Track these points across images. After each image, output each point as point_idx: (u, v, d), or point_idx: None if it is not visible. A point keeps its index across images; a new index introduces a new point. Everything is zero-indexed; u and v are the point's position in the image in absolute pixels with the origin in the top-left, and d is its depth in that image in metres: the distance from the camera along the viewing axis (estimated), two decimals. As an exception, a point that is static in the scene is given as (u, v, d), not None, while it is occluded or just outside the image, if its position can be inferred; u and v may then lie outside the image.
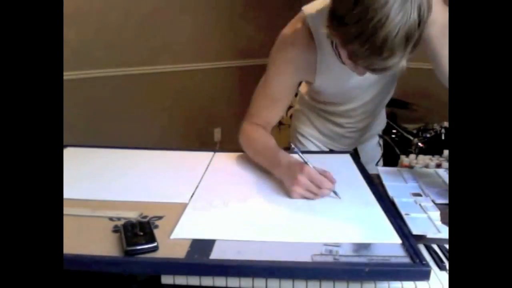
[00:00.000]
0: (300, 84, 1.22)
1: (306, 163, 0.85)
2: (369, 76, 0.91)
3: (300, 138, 1.32)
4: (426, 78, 2.87)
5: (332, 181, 0.85)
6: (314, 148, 1.30)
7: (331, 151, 1.27)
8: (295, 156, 0.91)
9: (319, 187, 0.83)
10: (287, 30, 0.99)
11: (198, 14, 2.98)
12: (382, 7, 0.66)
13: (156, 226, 0.72)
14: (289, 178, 0.85)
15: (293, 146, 0.90)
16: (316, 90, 1.09)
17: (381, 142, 1.38)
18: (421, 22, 0.70)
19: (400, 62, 0.73)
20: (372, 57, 0.72)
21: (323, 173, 0.85)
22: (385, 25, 0.67)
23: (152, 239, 0.65)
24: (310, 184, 0.83)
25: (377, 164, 1.30)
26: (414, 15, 0.68)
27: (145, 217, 0.76)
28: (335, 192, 0.85)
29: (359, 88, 1.07)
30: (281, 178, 0.89)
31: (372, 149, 1.35)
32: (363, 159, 1.20)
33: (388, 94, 1.20)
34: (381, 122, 1.33)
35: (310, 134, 1.30)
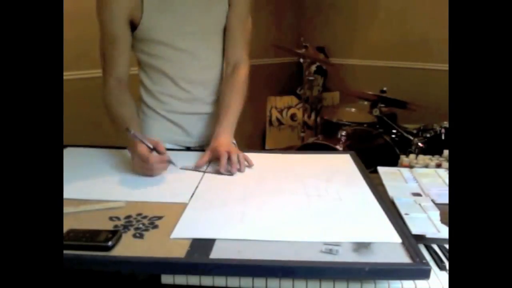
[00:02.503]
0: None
1: (141, 141, 0.94)
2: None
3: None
4: (426, 78, 2.88)
5: (163, 152, 0.95)
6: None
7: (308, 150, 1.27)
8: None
9: (147, 163, 0.92)
10: None
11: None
12: None
13: (156, 226, 0.72)
14: (132, 160, 0.99)
15: (130, 130, 0.94)
16: (146, 35, 1.10)
17: None
18: None
19: None
20: None
21: (156, 146, 0.94)
22: None
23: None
24: (142, 164, 0.93)
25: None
26: None
27: (145, 216, 0.76)
28: (170, 161, 0.97)
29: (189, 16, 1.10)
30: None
31: None
32: None
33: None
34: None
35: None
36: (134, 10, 1.07)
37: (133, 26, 1.09)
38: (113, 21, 1.08)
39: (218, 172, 0.98)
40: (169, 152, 0.98)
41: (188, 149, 1.24)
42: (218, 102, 1.19)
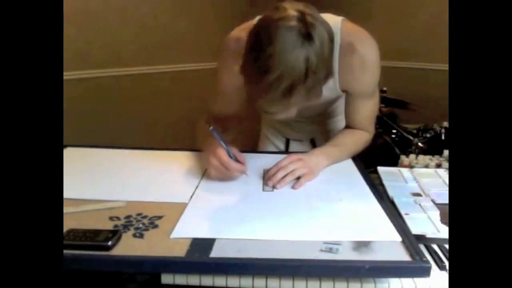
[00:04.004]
0: None
1: (223, 145, 0.90)
2: None
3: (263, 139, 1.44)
4: (426, 78, 2.88)
5: (243, 162, 0.91)
6: (271, 147, 1.39)
7: None
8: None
9: (228, 169, 0.89)
10: (234, 34, 1.01)
11: (198, 14, 2.98)
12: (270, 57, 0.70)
13: (156, 226, 0.72)
14: (206, 161, 0.94)
15: (211, 128, 0.91)
16: None
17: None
18: (308, 72, 0.71)
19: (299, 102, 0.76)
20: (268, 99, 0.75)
21: (237, 156, 0.91)
22: (271, 72, 0.69)
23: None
24: (220, 166, 0.89)
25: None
26: (301, 66, 0.70)
27: (145, 216, 0.76)
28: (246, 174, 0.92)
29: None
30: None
31: None
32: None
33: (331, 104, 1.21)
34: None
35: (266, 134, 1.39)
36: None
37: None
38: (228, 82, 1.03)
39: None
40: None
41: (287, 140, 1.33)
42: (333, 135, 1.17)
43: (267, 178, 0.92)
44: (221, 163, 0.89)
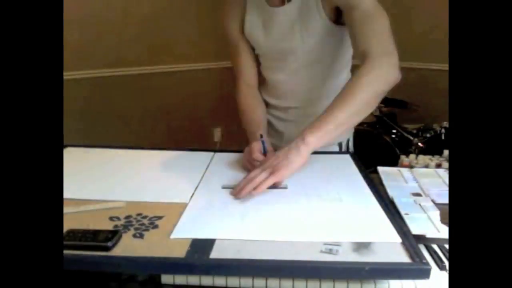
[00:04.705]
0: None
1: (263, 145, 0.99)
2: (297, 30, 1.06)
3: None
4: (426, 78, 2.88)
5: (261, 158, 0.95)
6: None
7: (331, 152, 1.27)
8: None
9: (250, 154, 0.97)
10: None
11: (198, 14, 2.98)
12: None
13: (156, 226, 0.72)
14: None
15: (261, 135, 1.02)
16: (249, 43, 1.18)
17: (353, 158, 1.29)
18: None
19: None
20: None
21: (270, 152, 0.98)
22: None
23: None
24: (249, 158, 0.97)
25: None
26: None
27: (145, 216, 0.76)
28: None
29: (289, 41, 1.09)
30: None
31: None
32: None
33: (330, 67, 1.13)
34: None
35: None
36: (241, 13, 1.15)
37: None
38: (231, 30, 1.17)
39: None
40: None
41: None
42: None
43: (235, 191, 0.84)
44: (248, 158, 0.97)
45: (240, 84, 1.21)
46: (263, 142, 1.00)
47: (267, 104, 1.27)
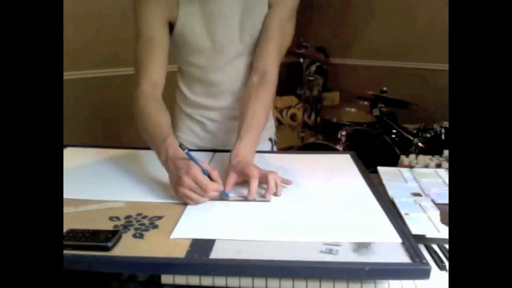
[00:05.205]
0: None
1: (196, 163, 0.81)
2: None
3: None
4: (426, 78, 2.88)
5: (218, 181, 0.81)
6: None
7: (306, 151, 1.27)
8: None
9: (205, 191, 0.79)
10: None
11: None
12: None
13: (156, 226, 0.72)
14: (174, 175, 0.82)
15: (183, 147, 0.83)
16: (181, 40, 1.07)
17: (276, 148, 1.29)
18: None
19: None
20: None
21: (211, 173, 0.82)
22: None
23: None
24: (195, 187, 0.78)
25: None
26: None
27: (145, 216, 0.76)
28: (224, 193, 0.82)
29: (224, 28, 1.05)
30: (165, 170, 0.86)
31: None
32: None
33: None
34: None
35: (191, 142, 1.23)
36: (172, 11, 1.03)
37: (171, 28, 1.06)
38: (150, 21, 1.02)
39: (245, 198, 0.83)
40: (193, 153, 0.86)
41: (214, 151, 1.16)
42: (241, 113, 1.02)
43: (254, 193, 0.82)
44: (197, 183, 0.78)
45: (143, 83, 1.03)
46: (193, 158, 0.83)
47: (199, 107, 1.19)
